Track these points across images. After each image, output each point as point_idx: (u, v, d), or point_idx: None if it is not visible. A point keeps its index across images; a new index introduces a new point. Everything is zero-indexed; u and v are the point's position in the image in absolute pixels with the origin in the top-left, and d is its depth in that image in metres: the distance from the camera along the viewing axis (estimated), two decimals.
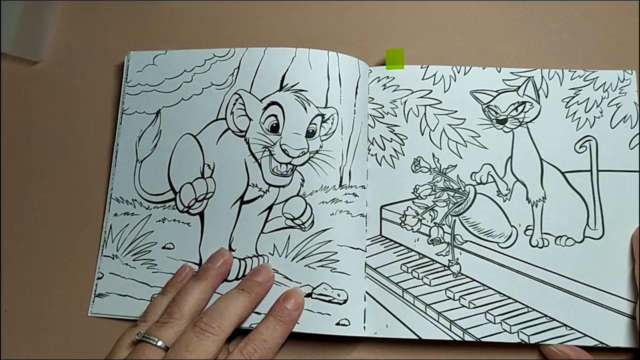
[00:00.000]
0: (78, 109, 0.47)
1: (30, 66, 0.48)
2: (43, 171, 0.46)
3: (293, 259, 0.41)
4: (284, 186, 0.42)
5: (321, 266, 0.41)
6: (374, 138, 0.45)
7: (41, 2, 0.48)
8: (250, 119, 0.43)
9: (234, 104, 0.44)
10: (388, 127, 0.45)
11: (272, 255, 0.41)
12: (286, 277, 0.41)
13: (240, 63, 0.44)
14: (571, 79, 0.45)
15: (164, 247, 0.43)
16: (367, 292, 0.42)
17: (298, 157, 0.42)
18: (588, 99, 0.45)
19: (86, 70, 0.47)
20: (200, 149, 0.44)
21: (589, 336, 0.40)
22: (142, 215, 0.43)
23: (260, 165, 0.43)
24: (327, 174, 0.42)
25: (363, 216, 0.43)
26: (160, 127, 0.45)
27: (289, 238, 0.42)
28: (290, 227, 0.42)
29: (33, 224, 0.45)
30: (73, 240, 0.45)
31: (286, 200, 0.42)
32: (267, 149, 0.43)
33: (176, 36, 0.49)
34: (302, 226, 0.42)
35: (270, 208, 0.42)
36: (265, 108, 0.43)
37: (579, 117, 0.44)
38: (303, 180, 0.42)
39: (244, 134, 0.43)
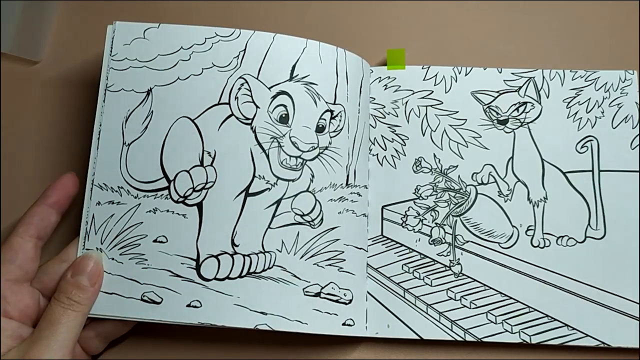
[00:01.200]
0: (77, 109, 0.47)
1: (30, 66, 0.48)
2: (42, 171, 0.46)
3: (302, 256, 0.40)
4: (293, 180, 0.40)
5: (329, 265, 0.40)
6: (375, 138, 0.45)
7: (41, 2, 0.48)
8: (257, 107, 0.41)
9: (239, 89, 0.41)
10: (389, 127, 0.45)
11: (280, 251, 0.39)
12: (295, 276, 0.39)
13: (246, 46, 0.41)
14: (572, 79, 0.45)
15: (155, 241, 0.39)
16: (368, 292, 0.42)
17: (308, 151, 0.41)
18: (589, 99, 0.45)
19: (86, 71, 0.47)
20: (199, 135, 0.40)
21: (590, 336, 0.40)
22: (129, 204, 0.39)
23: (268, 156, 0.40)
24: (336, 171, 0.41)
25: (365, 216, 0.43)
26: (152, 107, 0.41)
27: (298, 234, 0.40)
28: (300, 223, 0.40)
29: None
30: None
31: (295, 195, 0.40)
32: (275, 140, 0.40)
33: None
34: (312, 223, 0.40)
35: (278, 202, 0.40)
36: (274, 97, 0.41)
37: (580, 118, 0.44)
38: (313, 176, 0.41)
39: (249, 121, 0.40)
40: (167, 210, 0.39)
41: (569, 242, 0.42)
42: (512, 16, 0.48)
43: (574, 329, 0.40)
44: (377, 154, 0.44)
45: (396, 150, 0.44)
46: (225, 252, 0.39)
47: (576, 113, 0.44)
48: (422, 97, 0.45)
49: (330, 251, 0.40)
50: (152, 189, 0.40)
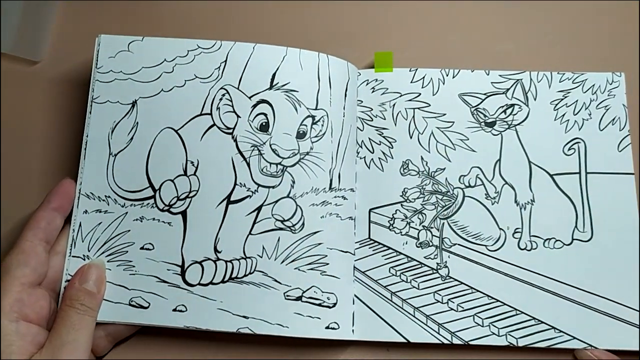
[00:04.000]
0: (77, 109, 0.47)
1: (30, 66, 0.48)
2: (42, 170, 0.46)
3: (283, 261, 0.40)
4: (273, 187, 0.41)
5: (311, 269, 0.40)
6: (362, 141, 0.45)
7: (41, 2, 0.48)
8: (238, 116, 0.42)
9: (221, 99, 0.42)
10: (377, 130, 0.45)
11: (261, 257, 0.40)
12: (275, 280, 0.40)
13: (227, 57, 0.43)
14: (560, 81, 0.45)
15: (142, 248, 0.40)
16: (355, 296, 0.42)
17: (288, 157, 0.41)
18: (577, 101, 0.45)
19: (86, 71, 0.47)
20: (182, 145, 0.42)
21: (577, 339, 0.40)
22: (117, 213, 0.41)
23: (248, 164, 0.41)
24: (317, 176, 0.42)
25: (352, 219, 0.43)
26: (137, 119, 0.42)
27: (278, 240, 0.41)
28: (280, 228, 0.41)
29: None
30: None
31: (276, 202, 0.41)
32: (256, 148, 0.42)
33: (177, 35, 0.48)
34: (292, 228, 0.41)
35: (259, 209, 0.41)
36: (254, 106, 0.42)
37: (568, 120, 0.44)
38: (293, 182, 0.41)
39: (231, 131, 0.42)
40: (153, 219, 0.41)
41: (556, 245, 0.42)
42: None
43: (560, 331, 0.40)
44: (365, 157, 0.44)
45: (383, 153, 0.44)
46: (209, 259, 0.40)
47: (563, 115, 0.44)
48: (410, 100, 0.45)
49: (312, 255, 0.41)
50: (139, 198, 0.41)
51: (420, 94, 0.45)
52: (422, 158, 0.44)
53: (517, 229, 0.42)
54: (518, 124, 0.44)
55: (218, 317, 0.39)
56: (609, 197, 0.43)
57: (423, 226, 0.43)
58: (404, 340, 0.40)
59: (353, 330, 0.41)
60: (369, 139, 0.45)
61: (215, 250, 0.41)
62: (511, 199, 0.43)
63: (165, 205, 0.41)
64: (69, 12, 0.49)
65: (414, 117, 0.45)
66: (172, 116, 0.42)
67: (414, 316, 0.41)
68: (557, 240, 0.42)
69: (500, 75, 0.45)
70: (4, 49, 0.46)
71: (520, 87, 0.45)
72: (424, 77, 0.45)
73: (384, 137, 0.45)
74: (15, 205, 0.45)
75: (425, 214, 0.43)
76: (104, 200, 0.41)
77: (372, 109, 0.45)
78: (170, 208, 0.41)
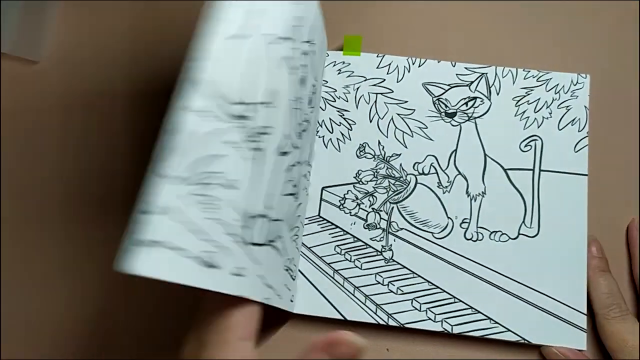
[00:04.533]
0: (77, 109, 0.47)
1: (30, 66, 0.48)
2: (42, 170, 0.46)
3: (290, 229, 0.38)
4: (299, 149, 0.37)
5: (293, 240, 0.40)
6: (323, 120, 0.45)
7: (41, 2, 0.48)
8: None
9: None
10: (338, 111, 0.45)
11: (283, 221, 0.34)
12: (285, 249, 0.37)
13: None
14: (524, 79, 0.45)
15: (227, 186, 0.26)
16: (299, 270, 0.42)
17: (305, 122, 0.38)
18: (539, 99, 0.45)
19: (85, 70, 0.48)
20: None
21: (512, 331, 0.40)
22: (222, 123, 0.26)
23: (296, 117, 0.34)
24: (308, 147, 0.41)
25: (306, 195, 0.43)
26: None
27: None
28: (292, 194, 0.37)
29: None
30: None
31: (294, 165, 0.36)
32: (299, 101, 0.34)
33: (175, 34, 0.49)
34: (296, 196, 0.38)
35: (289, 169, 0.34)
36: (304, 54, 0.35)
37: (528, 117, 0.44)
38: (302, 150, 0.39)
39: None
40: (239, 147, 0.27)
41: (502, 238, 0.42)
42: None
43: (496, 322, 0.41)
44: (323, 136, 0.45)
45: (342, 134, 0.45)
46: (262, 215, 0.30)
47: (524, 112, 0.45)
48: (374, 85, 0.46)
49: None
50: (239, 115, 0.27)
51: (384, 79, 0.46)
52: (379, 142, 0.45)
53: (465, 219, 0.43)
54: (478, 117, 0.45)
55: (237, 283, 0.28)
56: (560, 196, 0.43)
57: (372, 208, 0.43)
58: (341, 318, 0.41)
59: (292, 302, 0.41)
60: (330, 119, 0.45)
61: (265, 206, 0.30)
62: (463, 189, 0.43)
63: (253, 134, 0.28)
64: (69, 12, 0.49)
65: (376, 101, 0.45)
66: None
67: (353, 295, 0.42)
68: (503, 234, 0.42)
69: (466, 68, 0.46)
70: (4, 49, 0.46)
71: (485, 81, 0.45)
72: (390, 64, 0.46)
73: (344, 118, 0.45)
74: (16, 205, 0.45)
75: (376, 197, 0.44)
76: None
77: (336, 90, 0.46)
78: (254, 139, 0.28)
